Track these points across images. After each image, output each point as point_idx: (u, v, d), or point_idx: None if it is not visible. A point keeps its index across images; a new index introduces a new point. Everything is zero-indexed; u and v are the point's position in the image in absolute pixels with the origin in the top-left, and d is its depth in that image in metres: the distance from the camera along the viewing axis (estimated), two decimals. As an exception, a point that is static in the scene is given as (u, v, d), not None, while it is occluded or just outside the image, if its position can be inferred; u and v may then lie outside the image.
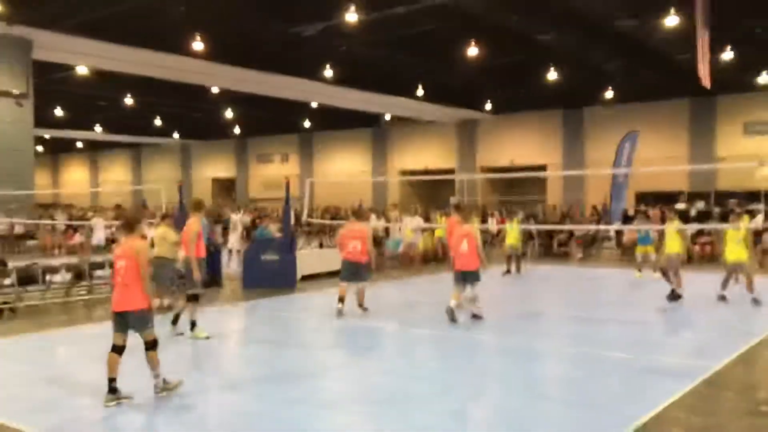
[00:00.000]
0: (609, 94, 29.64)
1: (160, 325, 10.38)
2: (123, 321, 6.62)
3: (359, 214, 12.77)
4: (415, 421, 6.13)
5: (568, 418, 6.28)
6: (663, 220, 15.84)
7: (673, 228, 13.10)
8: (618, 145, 26.58)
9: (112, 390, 6.47)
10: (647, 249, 16.75)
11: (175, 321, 9.97)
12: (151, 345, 6.70)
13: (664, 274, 13.02)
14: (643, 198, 26.89)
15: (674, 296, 12.74)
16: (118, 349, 6.61)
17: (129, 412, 6.39)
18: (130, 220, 7.06)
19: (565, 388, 7.41)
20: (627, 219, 24.25)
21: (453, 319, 10.51)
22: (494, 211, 28.14)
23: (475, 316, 10.80)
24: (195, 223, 9.79)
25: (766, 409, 6.51)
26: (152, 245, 11.55)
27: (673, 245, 12.90)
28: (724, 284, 12.78)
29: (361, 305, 11.67)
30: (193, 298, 9.83)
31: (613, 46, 23.26)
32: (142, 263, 6.62)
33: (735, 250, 12.53)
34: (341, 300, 11.46)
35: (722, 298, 12.61)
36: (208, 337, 9.75)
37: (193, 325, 9.84)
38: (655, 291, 14.64)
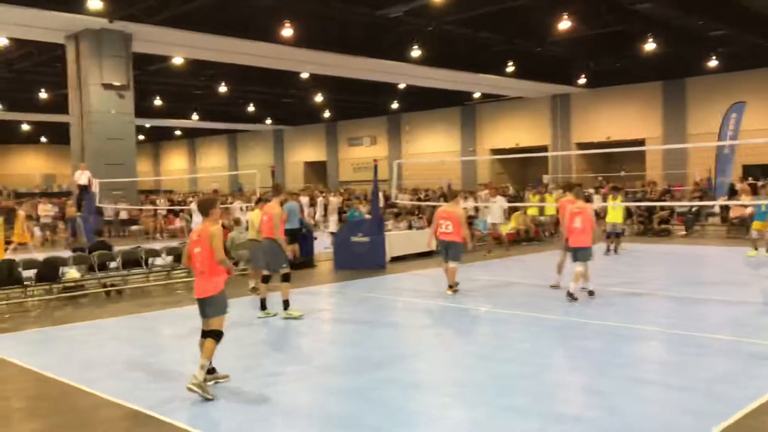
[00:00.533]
0: (712, 63, 28.05)
1: (252, 307, 10.72)
2: (202, 307, 6.69)
3: (449, 196, 12.69)
4: (505, 402, 6.01)
5: (666, 402, 5.99)
6: (754, 193, 14.90)
7: None
8: (723, 116, 25.14)
9: (209, 371, 6.61)
10: (764, 225, 15.63)
11: (285, 307, 10.11)
12: (213, 334, 6.55)
13: None
14: (750, 171, 25.36)
15: None
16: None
17: (222, 392, 6.55)
18: (203, 203, 6.94)
19: (664, 371, 7.08)
20: (733, 193, 22.95)
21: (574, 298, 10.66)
22: (604, 186, 26.84)
23: (591, 292, 10.94)
24: (276, 206, 10.05)
25: None
26: (247, 228, 11.93)
27: None
28: None
29: (450, 286, 11.67)
30: (285, 278, 9.99)
31: (715, 11, 21.94)
32: (216, 248, 6.49)
33: None
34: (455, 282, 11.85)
35: None
36: (301, 316, 9.93)
37: (286, 304, 10.04)
38: (760, 269, 13.85)
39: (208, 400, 6.23)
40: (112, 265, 13.20)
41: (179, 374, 6.87)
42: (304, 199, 25.86)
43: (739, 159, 25.81)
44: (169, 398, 6.40)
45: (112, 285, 13.06)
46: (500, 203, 19.38)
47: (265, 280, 10.27)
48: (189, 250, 6.79)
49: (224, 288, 6.65)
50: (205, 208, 6.78)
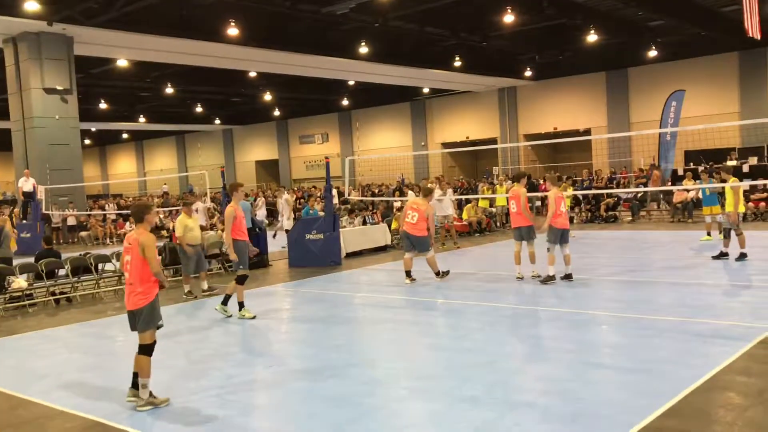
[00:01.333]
0: (653, 52, 28.80)
1: (202, 309, 10.64)
2: (132, 320, 6.34)
3: (425, 192, 13.11)
4: (462, 392, 6.11)
5: (618, 384, 6.18)
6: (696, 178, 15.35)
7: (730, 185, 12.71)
8: (664, 104, 25.87)
9: (141, 386, 6.36)
10: (713, 209, 16.07)
11: (225, 302, 10.15)
12: (141, 349, 6.22)
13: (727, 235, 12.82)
14: (691, 157, 26.15)
15: (721, 255, 12.73)
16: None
17: (179, 398, 6.50)
18: (137, 209, 6.49)
19: (615, 354, 7.29)
20: (676, 179, 23.66)
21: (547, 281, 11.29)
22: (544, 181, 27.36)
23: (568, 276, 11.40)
24: (232, 205, 9.99)
25: (826, 369, 6.30)
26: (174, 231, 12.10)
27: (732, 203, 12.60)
28: None
29: (437, 273, 12.50)
30: (239, 280, 9.98)
31: (654, 1, 22.54)
32: (150, 258, 6.13)
33: None
34: (408, 273, 12.54)
35: None
36: (254, 317, 9.94)
37: (240, 305, 10.04)
38: (707, 252, 14.30)
39: (162, 406, 6.17)
40: (61, 272, 12.93)
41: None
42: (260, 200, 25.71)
43: (680, 145, 26.58)
44: (125, 407, 6.32)
45: (62, 293, 12.79)
46: (449, 196, 19.56)
47: (241, 280, 10.13)
48: (123, 256, 6.51)
49: (155, 299, 6.29)
50: (140, 214, 6.36)
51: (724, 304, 9.44)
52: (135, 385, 6.26)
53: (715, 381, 6.02)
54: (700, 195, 20.70)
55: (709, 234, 16.07)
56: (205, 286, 12.61)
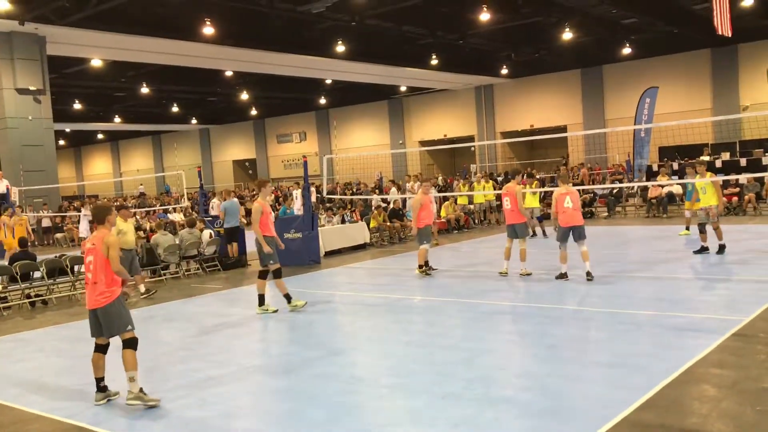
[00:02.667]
0: (627, 50, 29.10)
1: (175, 311, 10.56)
2: (95, 319, 6.32)
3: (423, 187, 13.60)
4: (442, 389, 6.14)
5: (597, 378, 6.25)
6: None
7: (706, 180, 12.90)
8: (638, 101, 26.16)
9: (101, 389, 6.43)
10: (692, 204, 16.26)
11: (261, 302, 10.35)
12: (127, 343, 6.24)
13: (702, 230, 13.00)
14: (665, 153, 26.49)
15: (703, 250, 12.89)
16: (100, 348, 6.45)
17: (118, 406, 6.44)
18: (98, 210, 6.50)
19: (592, 348, 7.37)
20: (651, 174, 23.94)
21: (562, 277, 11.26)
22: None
23: (589, 274, 11.09)
24: (259, 201, 10.16)
25: (798, 360, 6.42)
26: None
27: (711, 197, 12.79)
28: None
29: (419, 266, 12.87)
30: (263, 275, 10.20)
31: (629, 0, 22.78)
32: (112, 258, 6.16)
33: None
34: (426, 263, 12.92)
35: None
36: (275, 311, 10.16)
37: (261, 300, 10.29)
38: (685, 246, 14.51)
39: (152, 407, 6.13)
40: (36, 274, 12.76)
41: (112, 384, 6.72)
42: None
43: (654, 141, 26.91)
44: (102, 410, 6.27)
45: (37, 295, 12.64)
46: (432, 194, 19.63)
47: (263, 275, 10.27)
48: (85, 257, 6.47)
49: (118, 299, 6.30)
50: (101, 215, 6.40)
51: (700, 297, 9.58)
52: (100, 389, 6.36)
53: (691, 373, 6.12)
54: (676, 190, 21.00)
55: (687, 228, 16.28)
56: (142, 289, 12.59)
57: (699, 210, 13.21)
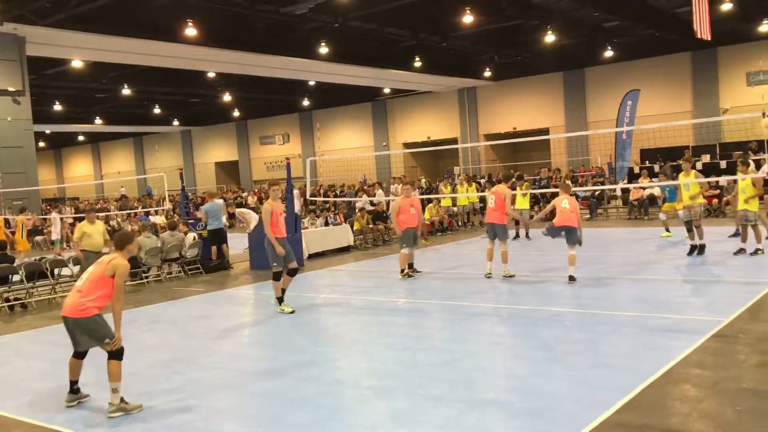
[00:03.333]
0: (608, 53, 29.32)
1: (162, 312, 10.50)
2: (70, 330, 6.19)
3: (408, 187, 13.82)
4: (425, 392, 6.14)
5: (580, 379, 6.28)
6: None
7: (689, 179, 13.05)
8: (620, 103, 26.36)
9: (74, 391, 6.40)
10: (672, 206, 16.41)
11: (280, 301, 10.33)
12: (115, 354, 6.11)
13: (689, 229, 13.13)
14: (647, 155, 26.71)
15: (694, 249, 13.06)
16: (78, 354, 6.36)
17: (99, 410, 6.39)
18: (121, 238, 6.44)
19: (575, 350, 7.40)
20: (633, 177, 24.12)
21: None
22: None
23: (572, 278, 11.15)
24: (269, 202, 10.28)
25: (777, 360, 6.50)
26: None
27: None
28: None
29: (401, 270, 12.82)
30: (276, 276, 10.18)
31: (609, 3, 22.97)
32: (118, 286, 6.11)
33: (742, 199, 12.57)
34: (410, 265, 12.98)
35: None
36: (293, 311, 10.10)
37: (280, 300, 10.29)
38: (665, 248, 14.63)
39: (134, 413, 6.05)
40: (16, 278, 12.61)
41: (92, 388, 6.66)
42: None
43: (636, 144, 27.10)
44: (83, 414, 6.21)
45: (16, 299, 12.49)
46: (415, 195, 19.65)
47: (277, 277, 10.29)
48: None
49: (96, 316, 6.09)
50: (122, 243, 6.35)
51: (681, 299, 9.66)
52: (73, 391, 6.34)
53: (672, 374, 6.17)
54: (658, 192, 21.15)
55: (668, 230, 16.41)
56: None
57: (683, 209, 13.30)
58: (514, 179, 12.66)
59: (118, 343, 6.11)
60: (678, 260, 12.87)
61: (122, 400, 6.09)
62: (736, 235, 14.17)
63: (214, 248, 16.17)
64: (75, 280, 12.94)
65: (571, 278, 11.07)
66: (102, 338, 6.10)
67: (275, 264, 10.16)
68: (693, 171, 13.30)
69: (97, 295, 6.10)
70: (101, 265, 6.20)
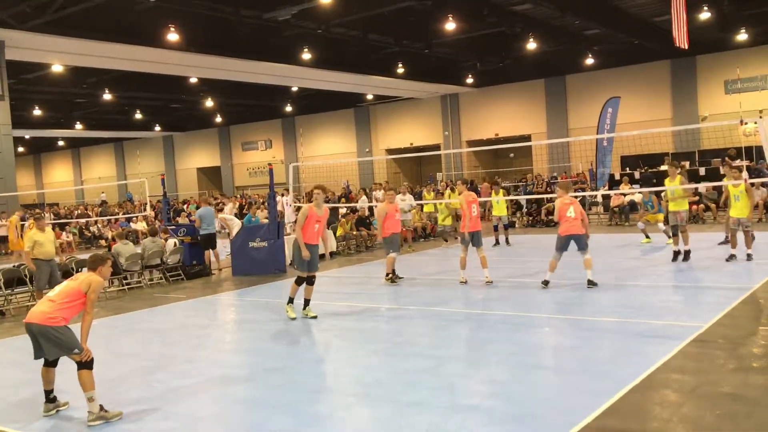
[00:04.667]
0: (589, 60, 29.59)
1: (138, 322, 10.40)
2: (34, 338, 6.11)
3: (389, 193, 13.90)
4: (408, 398, 6.14)
5: (560, 385, 6.31)
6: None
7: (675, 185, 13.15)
8: (600, 110, 26.56)
9: (50, 399, 6.35)
10: (657, 217, 16.52)
11: (305, 306, 10.22)
12: (83, 364, 6.05)
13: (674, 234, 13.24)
14: (627, 162, 26.96)
15: (677, 255, 13.16)
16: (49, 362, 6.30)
17: (122, 410, 6.34)
18: (94, 260, 6.46)
19: (557, 355, 7.45)
20: (614, 183, 24.33)
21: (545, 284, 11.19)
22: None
23: (591, 282, 10.96)
24: (308, 205, 10.18)
25: (756, 365, 6.57)
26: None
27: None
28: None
29: (387, 274, 12.90)
30: (299, 281, 10.06)
31: (590, 11, 23.20)
32: (91, 300, 6.14)
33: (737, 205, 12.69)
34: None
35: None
36: (315, 317, 10.01)
37: (306, 303, 10.19)
38: (646, 254, 14.75)
39: (114, 421, 5.98)
40: (-7, 285, 12.45)
41: (71, 395, 6.58)
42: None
43: (616, 151, 27.32)
44: (61, 422, 6.14)
45: (-6, 306, 12.33)
46: (409, 200, 19.74)
47: (310, 281, 10.17)
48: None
49: (64, 328, 6.03)
50: (95, 265, 6.40)
51: (661, 304, 9.73)
52: (49, 400, 6.30)
53: (652, 379, 6.21)
54: (638, 199, 21.33)
55: (647, 236, 16.53)
56: None
57: (669, 214, 13.34)
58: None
59: (88, 354, 6.07)
60: (659, 266, 12.99)
61: (102, 408, 6.01)
62: (725, 242, 14.29)
63: (207, 253, 16.12)
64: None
65: (591, 283, 10.90)
66: (70, 348, 6.02)
67: (299, 268, 10.05)
68: (679, 176, 13.27)
69: (68, 307, 6.10)
70: (76, 281, 6.28)
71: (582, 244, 11.05)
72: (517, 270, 13.76)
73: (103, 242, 26.31)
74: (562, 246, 11.14)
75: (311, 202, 10.35)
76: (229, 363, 8.12)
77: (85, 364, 6.05)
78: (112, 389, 6.88)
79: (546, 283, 11.16)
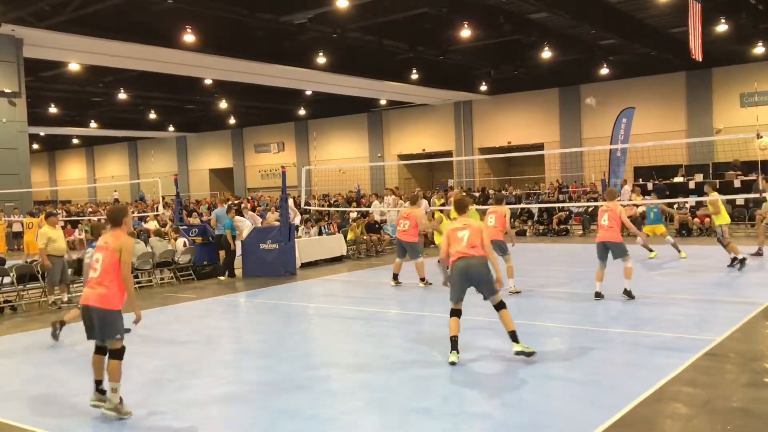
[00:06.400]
0: (604, 70, 29.51)
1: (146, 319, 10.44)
2: (89, 320, 6.03)
3: (413, 200, 14.04)
4: (417, 404, 6.13)
5: (571, 395, 6.28)
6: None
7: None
8: (614, 121, 26.51)
9: (111, 389, 6.21)
10: (654, 229, 16.52)
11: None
12: (113, 353, 6.01)
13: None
14: (640, 173, 26.85)
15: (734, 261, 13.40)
16: (100, 350, 6.21)
17: (83, 414, 6.35)
18: (113, 212, 6.25)
19: (567, 365, 7.40)
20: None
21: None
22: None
23: (627, 292, 10.74)
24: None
25: (767, 380, 6.52)
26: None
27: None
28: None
29: (422, 279, 13.08)
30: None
31: (606, 21, 23.14)
32: (124, 262, 5.96)
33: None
34: (395, 276, 13.37)
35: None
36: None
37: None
38: (655, 266, 14.66)
39: (123, 418, 6.01)
40: (6, 280, 12.54)
41: (83, 392, 6.62)
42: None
43: (630, 161, 27.26)
44: (72, 418, 6.16)
45: (6, 301, 12.42)
46: (425, 207, 19.76)
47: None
48: (93, 254, 6.19)
49: (120, 311, 6.01)
50: (118, 217, 6.14)
51: (671, 316, 9.67)
52: (100, 390, 6.16)
53: (663, 392, 6.17)
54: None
55: (650, 250, 16.37)
56: (65, 298, 12.53)
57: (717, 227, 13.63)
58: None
59: (139, 318, 6.09)
60: (669, 278, 12.92)
61: (121, 400, 6.01)
62: (758, 254, 14.35)
63: (222, 252, 16.18)
64: (67, 284, 12.91)
65: (626, 292, 10.67)
66: (115, 333, 6.00)
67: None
68: (713, 192, 13.63)
69: (119, 283, 5.96)
70: (106, 250, 6.01)
71: (618, 253, 10.71)
72: (527, 279, 13.71)
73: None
74: (599, 254, 10.88)
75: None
76: (237, 365, 8.13)
77: (116, 354, 5.98)
78: (122, 388, 6.90)
79: (598, 294, 10.82)
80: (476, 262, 7.44)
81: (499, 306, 7.57)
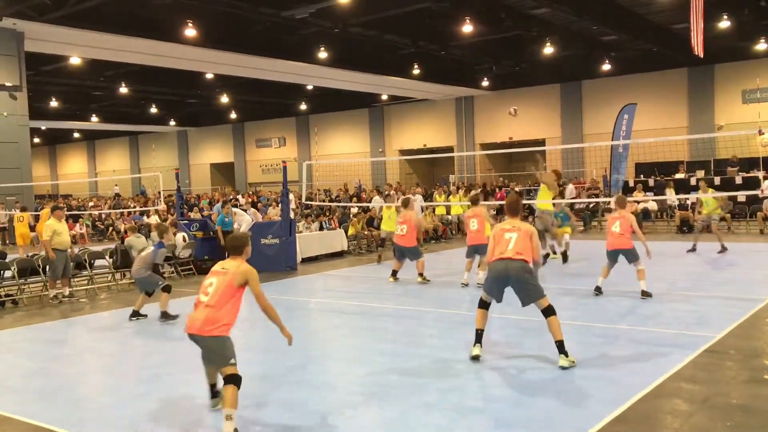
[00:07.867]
0: (606, 66, 29.46)
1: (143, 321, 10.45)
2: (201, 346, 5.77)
3: (404, 203, 13.86)
4: (416, 399, 6.14)
5: (569, 392, 6.29)
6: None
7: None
8: (616, 117, 26.48)
9: (214, 394, 6.12)
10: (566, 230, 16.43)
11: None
12: (231, 379, 5.57)
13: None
14: (642, 169, 26.83)
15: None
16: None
17: (87, 409, 6.37)
18: (236, 244, 5.97)
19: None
20: (628, 190, 24.23)
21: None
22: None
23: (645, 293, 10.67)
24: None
25: (767, 377, 6.52)
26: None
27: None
28: None
29: (420, 275, 13.10)
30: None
31: (608, 17, 23.09)
32: (258, 294, 5.77)
33: None
34: (394, 273, 13.41)
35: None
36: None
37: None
38: (656, 262, 14.64)
39: None
40: (7, 274, 12.56)
41: (83, 386, 6.63)
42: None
43: (632, 157, 27.23)
44: (72, 412, 6.18)
45: (7, 295, 12.43)
46: (420, 202, 19.80)
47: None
48: (206, 279, 5.88)
49: (228, 336, 5.74)
50: (241, 248, 5.91)
51: (671, 313, 9.66)
52: (213, 394, 6.05)
53: (663, 388, 6.18)
54: (652, 206, 21.17)
55: (554, 252, 16.19)
56: (66, 292, 12.56)
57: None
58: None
59: (290, 339, 5.98)
60: (671, 275, 12.91)
61: (236, 430, 5.41)
62: None
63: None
64: (69, 278, 12.90)
65: (644, 293, 10.65)
66: (227, 359, 5.64)
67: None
68: (709, 189, 13.90)
69: (229, 308, 5.71)
70: (224, 275, 5.76)
71: (631, 258, 10.79)
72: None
73: (115, 234, 26.49)
74: (610, 259, 10.98)
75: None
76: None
77: (232, 379, 5.55)
78: (117, 386, 6.92)
79: (597, 289, 11.04)
80: (516, 266, 7.13)
81: (547, 312, 7.18)
